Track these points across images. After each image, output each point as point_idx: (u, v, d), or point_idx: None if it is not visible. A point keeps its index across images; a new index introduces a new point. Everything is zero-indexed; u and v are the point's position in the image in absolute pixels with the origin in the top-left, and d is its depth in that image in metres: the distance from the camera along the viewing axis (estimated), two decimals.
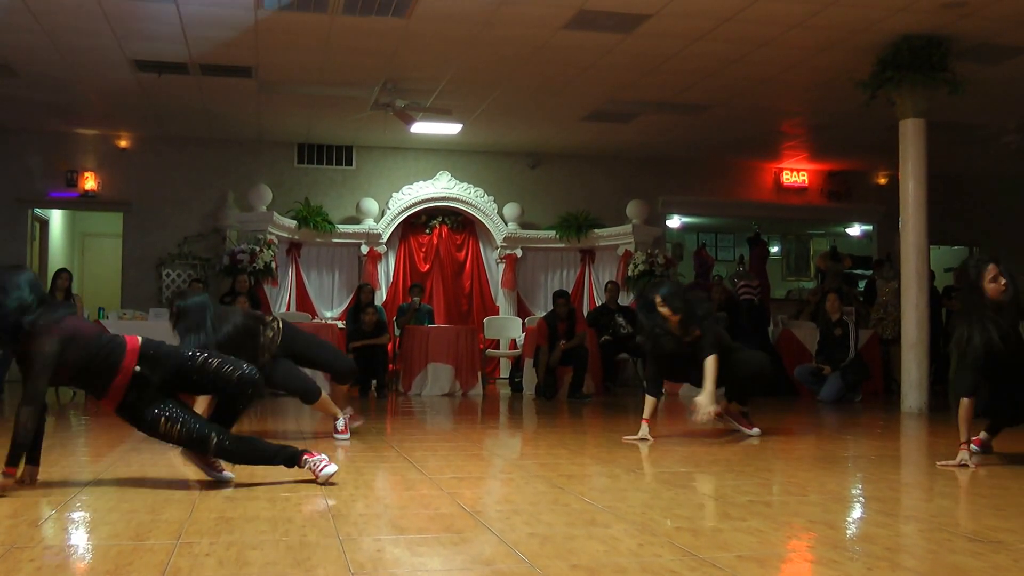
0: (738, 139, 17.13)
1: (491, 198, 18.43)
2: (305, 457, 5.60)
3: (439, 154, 18.44)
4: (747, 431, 8.74)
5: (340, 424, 8.26)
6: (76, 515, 4.78)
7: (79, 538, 4.37)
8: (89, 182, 17.02)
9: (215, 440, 5.39)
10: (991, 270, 6.87)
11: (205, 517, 4.62)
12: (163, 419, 5.38)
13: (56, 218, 18.85)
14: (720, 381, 8.50)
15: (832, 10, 10.92)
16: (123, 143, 17.08)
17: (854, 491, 5.90)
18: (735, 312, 15.76)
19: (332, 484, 5.51)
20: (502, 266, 18.49)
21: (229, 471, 5.70)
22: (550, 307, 15.38)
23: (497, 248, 18.48)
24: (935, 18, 11.19)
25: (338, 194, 18.04)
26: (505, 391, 15.83)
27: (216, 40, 12.08)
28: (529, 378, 14.67)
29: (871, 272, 18.13)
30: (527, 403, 13.31)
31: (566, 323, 14.22)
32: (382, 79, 13.65)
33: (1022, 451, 7.64)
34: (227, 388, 5.59)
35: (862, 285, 18.41)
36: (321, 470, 5.54)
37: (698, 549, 3.99)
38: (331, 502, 5.03)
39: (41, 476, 5.71)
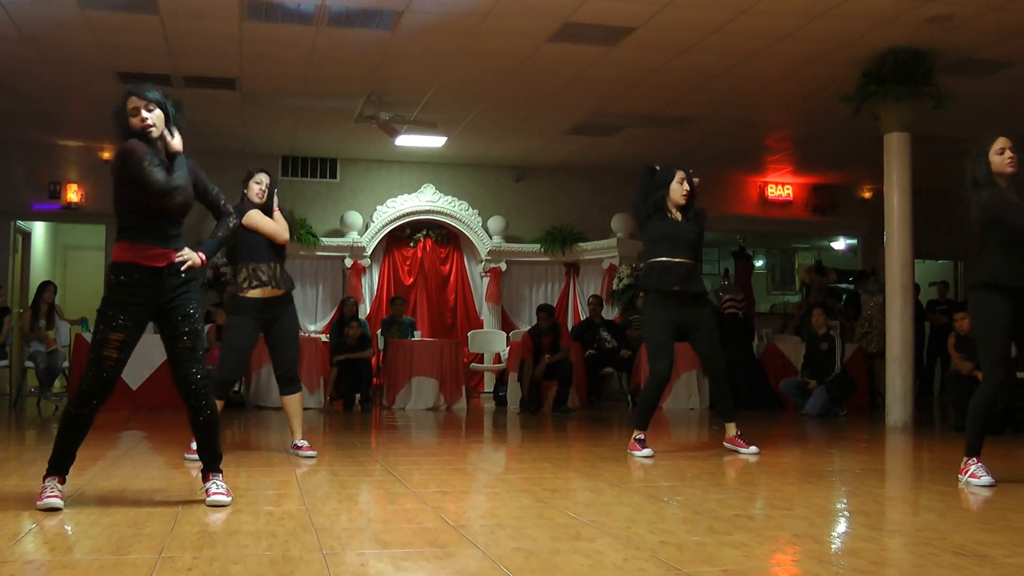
0: (723, 152, 17.14)
1: (475, 211, 18.43)
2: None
3: (424, 167, 18.44)
4: (745, 451, 8.41)
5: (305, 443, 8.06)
6: (57, 529, 4.73)
7: (60, 553, 4.33)
8: (72, 194, 16.97)
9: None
10: (1001, 141, 6.58)
11: (187, 531, 4.59)
12: None
13: (39, 230, 18.80)
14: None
15: (817, 24, 10.94)
16: (107, 155, 16.96)
17: (839, 505, 5.88)
18: (720, 326, 15.74)
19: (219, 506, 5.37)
20: (486, 280, 18.47)
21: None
22: (534, 321, 15.37)
23: (481, 262, 18.46)
24: (920, 32, 11.22)
25: (322, 207, 18.02)
26: (489, 405, 15.82)
27: (200, 52, 12.05)
28: (513, 392, 14.64)
29: (852, 285, 18.15)
30: (511, 417, 13.29)
31: (550, 337, 14.20)
32: (367, 91, 13.63)
33: (1006, 465, 7.64)
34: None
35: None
36: (212, 495, 5.42)
37: (683, 563, 3.97)
38: (314, 516, 5.00)
39: (21, 488, 5.69)
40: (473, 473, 7.59)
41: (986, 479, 6.40)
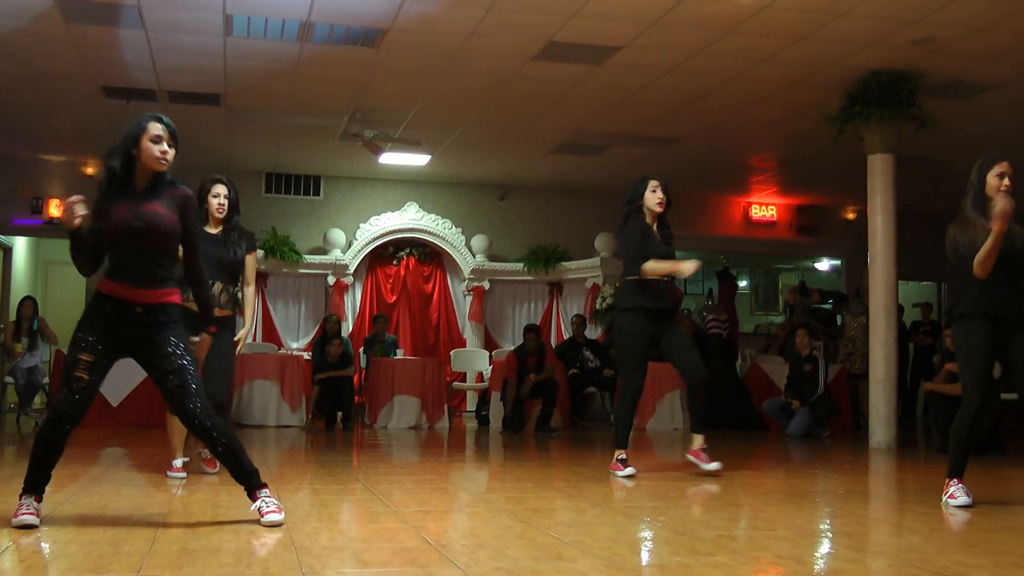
0: (707, 173, 17.16)
1: (459, 230, 18.41)
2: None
3: (407, 185, 18.41)
4: (706, 466, 8.18)
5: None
6: (34, 547, 4.69)
7: (36, 571, 4.29)
8: (54, 209, 16.90)
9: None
10: (1002, 165, 6.50)
11: (167, 549, 4.55)
12: None
13: (20, 245, 18.72)
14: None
15: (802, 45, 10.96)
16: (90, 170, 16.94)
17: (822, 526, 5.86)
18: (704, 346, 15.74)
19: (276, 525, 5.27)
20: (469, 298, 18.45)
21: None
22: (517, 340, 15.31)
23: (464, 280, 18.44)
24: (904, 54, 11.24)
25: (305, 224, 17.98)
26: (471, 424, 15.78)
27: (185, 67, 12.03)
28: (496, 411, 14.60)
29: (829, 306, 18.16)
30: (494, 436, 13.27)
31: (536, 357, 14.17)
32: (351, 109, 13.62)
33: (990, 487, 7.63)
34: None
35: (839, 320, 18.44)
36: (265, 515, 5.29)
37: None
38: (294, 534, 4.96)
39: None
40: (455, 492, 7.56)
41: (963, 499, 6.39)
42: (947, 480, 6.59)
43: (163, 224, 5.27)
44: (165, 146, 5.28)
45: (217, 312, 7.46)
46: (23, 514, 5.09)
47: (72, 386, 5.18)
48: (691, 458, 8.30)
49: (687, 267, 8.08)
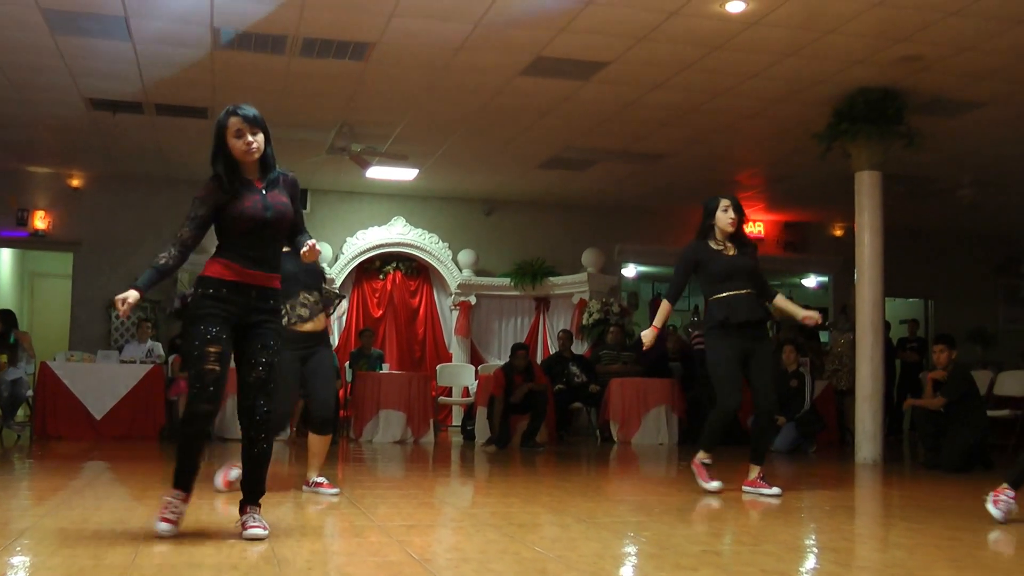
0: (694, 188, 17.11)
1: (446, 244, 18.39)
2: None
3: (394, 199, 18.39)
4: (768, 491, 8.02)
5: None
6: (16, 560, 4.66)
7: None
8: (39, 221, 16.84)
9: None
10: None
11: (148, 563, 4.52)
12: None
13: (5, 257, 18.65)
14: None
15: (789, 62, 10.97)
16: (75, 182, 16.90)
17: (808, 541, 5.85)
18: (690, 362, 15.76)
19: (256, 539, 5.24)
20: (456, 313, 18.42)
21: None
22: (504, 355, 15.25)
23: (451, 295, 18.41)
24: (891, 71, 11.26)
25: None
26: (457, 439, 15.74)
27: (172, 80, 11.99)
28: (481, 426, 14.56)
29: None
30: (479, 451, 13.23)
31: (523, 375, 14.13)
32: (338, 123, 13.59)
33: (976, 503, 7.62)
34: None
35: (825, 336, 18.41)
36: (248, 528, 5.28)
37: None
38: (277, 548, 4.93)
39: None
40: (439, 507, 7.54)
41: (999, 513, 6.33)
42: (1004, 485, 6.50)
43: (288, 213, 5.41)
44: (249, 137, 5.34)
45: (311, 327, 7.55)
46: (162, 519, 5.17)
47: (205, 379, 5.16)
48: (748, 489, 8.10)
49: (647, 337, 8.20)
